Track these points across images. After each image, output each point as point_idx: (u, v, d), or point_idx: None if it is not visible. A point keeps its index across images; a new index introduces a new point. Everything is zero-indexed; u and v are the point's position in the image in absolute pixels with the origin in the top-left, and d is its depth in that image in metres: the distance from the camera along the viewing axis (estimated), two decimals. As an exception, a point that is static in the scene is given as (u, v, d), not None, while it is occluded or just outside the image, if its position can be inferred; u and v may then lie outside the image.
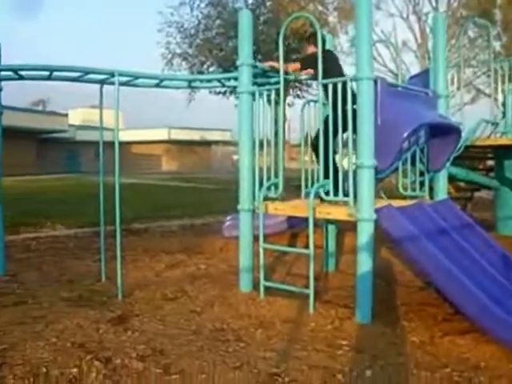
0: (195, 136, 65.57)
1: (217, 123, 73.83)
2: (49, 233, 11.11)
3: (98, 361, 4.12)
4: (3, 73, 6.69)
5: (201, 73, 23.67)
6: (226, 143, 75.32)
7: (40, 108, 77.23)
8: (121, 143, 5.93)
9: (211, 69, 24.16)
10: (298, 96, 23.43)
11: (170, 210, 14.78)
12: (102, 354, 4.25)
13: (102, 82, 6.69)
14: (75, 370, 3.98)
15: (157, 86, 7.07)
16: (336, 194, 5.65)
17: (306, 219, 6.02)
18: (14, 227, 10.72)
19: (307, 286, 5.57)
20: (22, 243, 9.82)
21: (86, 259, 8.31)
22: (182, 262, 7.94)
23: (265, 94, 6.09)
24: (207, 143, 70.31)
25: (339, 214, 5.49)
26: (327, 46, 7.00)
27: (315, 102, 6.36)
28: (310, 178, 6.21)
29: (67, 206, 16.25)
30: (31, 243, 9.85)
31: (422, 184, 6.51)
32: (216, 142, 72.80)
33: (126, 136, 49.61)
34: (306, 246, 7.58)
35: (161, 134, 63.55)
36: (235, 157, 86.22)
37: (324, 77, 5.68)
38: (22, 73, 6.35)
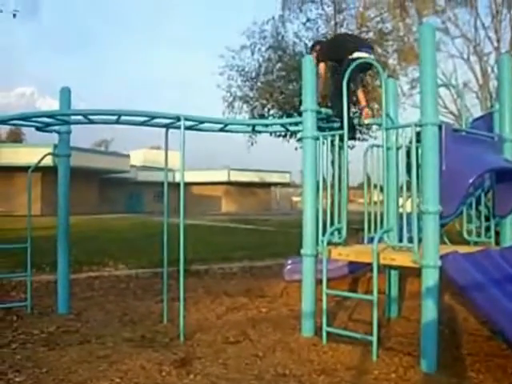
0: (254, 178, 65.96)
1: (276, 165, 74.07)
2: (111, 272, 11.27)
3: (161, 403, 4.14)
4: (73, 117, 6.95)
5: (262, 116, 23.84)
6: (284, 185, 75.48)
7: (103, 148, 79.22)
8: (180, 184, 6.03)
9: (272, 111, 24.29)
10: (358, 138, 23.37)
11: (230, 252, 14.83)
12: (166, 397, 4.27)
13: (167, 126, 6.85)
14: (138, 411, 4.02)
15: (221, 130, 7.19)
16: (400, 239, 5.61)
17: (367, 264, 5.98)
18: (77, 265, 10.95)
19: (370, 333, 5.48)
20: (85, 282, 9.99)
21: (148, 300, 8.39)
22: (244, 305, 7.92)
23: (329, 139, 6.13)
24: (266, 185, 70.55)
25: (403, 260, 5.41)
26: (391, 91, 7.01)
27: (378, 146, 6.35)
28: (372, 221, 6.18)
29: (128, 246, 16.52)
30: (94, 282, 10.02)
31: (487, 229, 6.40)
32: (275, 184, 73.00)
33: (186, 177, 50.15)
34: (367, 292, 7.52)
35: (220, 176, 64.18)
36: (294, 198, 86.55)
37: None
38: (92, 117, 6.55)
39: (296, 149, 23.29)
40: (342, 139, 6.19)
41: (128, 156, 54.39)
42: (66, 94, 7.39)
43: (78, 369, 4.99)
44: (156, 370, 4.94)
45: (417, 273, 5.35)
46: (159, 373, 4.86)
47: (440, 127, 5.26)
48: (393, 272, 7.09)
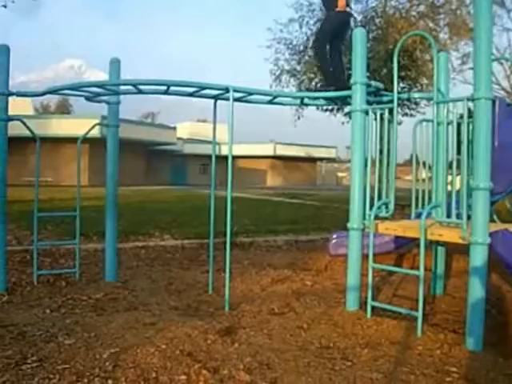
0: (300, 152, 65.84)
1: (322, 140, 73.73)
2: (157, 242, 11.41)
3: (206, 370, 4.20)
4: (123, 87, 7.01)
5: (309, 90, 23.65)
6: (330, 160, 75.17)
7: (149, 120, 79.89)
8: (226, 157, 6.04)
9: (319, 85, 24.12)
10: (406, 114, 23.07)
11: (275, 225, 14.86)
12: (210, 364, 4.33)
13: (215, 98, 6.86)
14: (184, 377, 4.08)
15: (269, 102, 7.17)
16: (448, 215, 5.54)
17: (414, 240, 5.92)
18: (124, 235, 11.12)
19: (415, 308, 5.46)
20: (132, 251, 10.14)
21: (194, 270, 8.49)
22: (288, 278, 7.96)
23: (378, 112, 6.06)
24: (312, 160, 70.35)
25: (451, 236, 5.35)
26: (442, 65, 6.88)
27: (428, 121, 6.26)
28: (419, 197, 6.12)
29: (174, 217, 16.68)
30: (140, 252, 10.16)
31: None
32: (321, 159, 72.75)
33: (232, 150, 50.17)
34: (413, 268, 7.46)
35: (266, 150, 64.24)
36: (340, 174, 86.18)
37: None
38: (141, 87, 6.59)
39: (343, 123, 23.20)
40: (390, 113, 6.12)
41: (174, 128, 54.74)
42: (115, 64, 7.44)
43: (124, 334, 5.09)
44: (201, 337, 5.00)
45: (464, 250, 5.30)
46: (204, 341, 4.93)
47: (493, 102, 5.15)
48: (439, 248, 7.01)
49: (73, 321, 5.53)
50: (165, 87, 6.51)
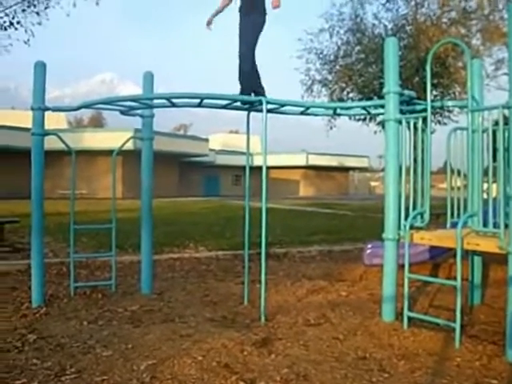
0: (333, 162, 65.71)
1: (354, 149, 73.50)
2: (192, 254, 11.46)
3: (243, 382, 4.21)
4: (156, 100, 7.08)
5: (341, 99, 23.65)
6: (362, 169, 74.91)
7: (182, 132, 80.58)
8: (259, 167, 6.06)
9: (351, 95, 24.09)
10: (439, 122, 22.88)
11: (309, 236, 14.83)
12: (247, 376, 4.33)
13: (249, 109, 6.89)
14: (221, 389, 4.10)
15: (302, 113, 7.18)
16: (485, 224, 5.48)
17: (449, 249, 5.86)
18: (159, 247, 11.20)
19: (452, 319, 5.39)
20: (167, 263, 10.20)
21: (228, 281, 8.50)
22: (323, 288, 7.92)
23: (412, 121, 6.02)
24: (345, 169, 70.19)
25: (488, 246, 5.28)
26: (476, 72, 6.82)
27: (462, 129, 6.20)
28: (455, 206, 6.06)
29: (208, 228, 16.76)
30: (175, 263, 10.21)
31: None
32: (353, 168, 72.53)
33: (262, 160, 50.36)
34: (449, 278, 7.38)
35: (299, 160, 64.32)
36: (372, 183, 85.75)
37: None
38: (175, 100, 6.65)
39: (375, 133, 23.10)
40: (424, 122, 6.08)
41: (207, 140, 55.09)
42: (148, 78, 7.53)
43: (161, 346, 5.13)
44: (238, 349, 5.01)
45: (502, 259, 5.22)
46: (241, 352, 4.93)
47: (529, 109, 5.09)
48: (476, 258, 6.92)
49: (110, 332, 5.59)
50: (198, 100, 6.56)
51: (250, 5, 6.78)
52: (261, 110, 6.22)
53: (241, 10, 6.87)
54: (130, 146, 8.13)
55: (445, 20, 23.46)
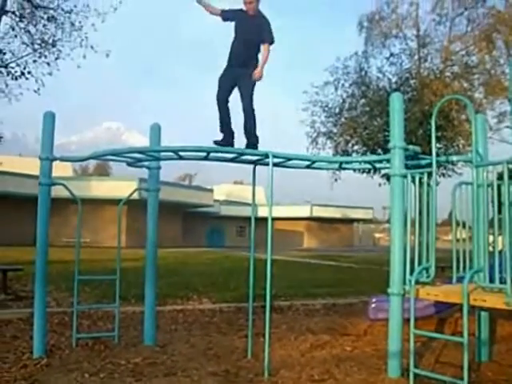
0: (337, 213, 65.74)
1: (358, 200, 73.54)
2: (195, 306, 11.39)
3: None
4: (164, 153, 7.13)
5: (345, 151, 23.80)
6: (367, 221, 74.84)
7: (187, 183, 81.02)
8: (264, 219, 6.07)
9: (355, 147, 24.24)
10: (443, 174, 22.96)
11: (313, 288, 14.72)
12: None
13: (255, 163, 6.94)
14: None
15: (308, 167, 7.21)
16: (490, 279, 5.44)
17: (455, 304, 5.81)
18: (162, 298, 11.12)
19: (459, 376, 5.30)
20: (170, 315, 10.11)
21: (232, 334, 8.41)
22: (327, 343, 7.82)
23: (417, 176, 6.04)
24: (349, 220, 70.13)
25: (495, 302, 5.24)
26: (480, 127, 6.86)
27: (467, 184, 6.20)
28: (461, 259, 6.03)
29: (212, 279, 16.68)
30: (178, 315, 10.13)
31: None
32: (357, 220, 72.49)
33: (268, 211, 50.46)
34: (455, 333, 7.29)
35: (303, 211, 64.36)
36: (377, 235, 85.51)
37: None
38: (182, 153, 6.70)
39: (380, 185, 23.13)
40: (429, 177, 6.10)
41: (211, 190, 55.26)
42: (156, 130, 7.60)
43: (164, 401, 5.06)
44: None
45: (509, 315, 5.18)
46: (244, 408, 4.86)
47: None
48: (483, 313, 6.85)
49: (112, 386, 5.52)
50: (205, 153, 6.60)
51: (248, 56, 6.85)
52: (267, 164, 6.26)
53: (233, 61, 6.95)
54: (135, 195, 8.15)
55: (448, 74, 23.83)
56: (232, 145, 6.82)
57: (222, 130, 6.90)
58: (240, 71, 6.80)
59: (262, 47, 6.79)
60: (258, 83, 6.77)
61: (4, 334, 7.86)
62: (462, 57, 24.10)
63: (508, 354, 6.17)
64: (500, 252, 5.45)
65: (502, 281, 5.23)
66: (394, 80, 23.93)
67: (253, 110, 6.77)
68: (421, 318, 7.91)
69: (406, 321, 5.93)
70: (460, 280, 5.62)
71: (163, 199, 8.40)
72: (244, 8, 6.79)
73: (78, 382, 5.63)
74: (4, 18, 18.68)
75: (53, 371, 6.06)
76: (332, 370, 6.28)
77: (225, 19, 6.96)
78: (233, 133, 6.93)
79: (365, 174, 23.17)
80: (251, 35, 6.79)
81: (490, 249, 5.90)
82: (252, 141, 6.80)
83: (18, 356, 6.65)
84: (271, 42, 6.79)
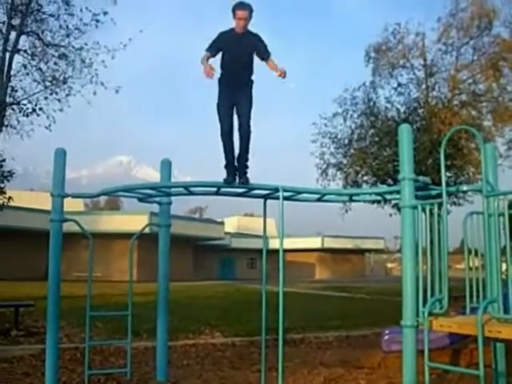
0: (348, 244, 65.50)
1: (369, 231, 73.32)
2: (207, 340, 11.33)
3: None
4: (174, 188, 7.15)
5: (355, 182, 23.85)
6: (378, 251, 74.51)
7: (197, 215, 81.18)
8: (275, 251, 6.05)
9: (365, 178, 24.28)
10: (454, 203, 22.92)
11: (326, 321, 14.64)
12: None
13: (265, 197, 6.94)
14: None
15: (318, 200, 7.21)
16: (505, 309, 5.39)
17: (469, 335, 5.74)
18: (174, 333, 11.06)
19: (476, 410, 5.23)
20: (182, 349, 10.06)
21: (245, 369, 8.36)
22: (341, 377, 7.74)
23: (427, 207, 6.02)
24: (360, 251, 69.86)
25: (511, 333, 5.18)
26: (489, 156, 6.84)
27: (478, 213, 6.17)
28: (474, 290, 5.98)
29: (223, 313, 16.62)
30: (190, 350, 10.09)
31: None
32: (369, 250, 72.20)
33: (279, 244, 50.26)
34: (470, 364, 7.19)
35: (314, 243, 64.21)
36: (389, 265, 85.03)
37: None
38: (192, 189, 6.71)
39: (391, 215, 23.09)
40: (439, 207, 6.07)
41: (222, 223, 55.28)
42: (166, 165, 7.65)
43: None
44: None
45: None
46: None
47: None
48: (498, 344, 6.76)
49: (124, 424, 5.47)
50: (215, 189, 6.60)
51: (245, 76, 6.61)
52: (277, 198, 6.26)
53: (230, 84, 6.54)
54: (146, 229, 8.16)
55: (456, 102, 23.96)
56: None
57: (226, 167, 6.46)
58: (239, 93, 6.50)
59: (267, 65, 6.41)
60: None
61: (16, 371, 7.84)
62: (470, 85, 24.26)
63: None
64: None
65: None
66: (402, 110, 24.06)
67: (250, 133, 6.43)
68: (435, 349, 7.83)
69: (421, 352, 5.86)
70: (474, 311, 5.56)
71: (174, 233, 8.41)
72: (234, 24, 6.44)
73: (91, 420, 5.58)
74: (16, 56, 19.00)
75: (65, 409, 6.02)
76: (347, 404, 6.22)
77: (214, 55, 6.49)
78: (236, 170, 6.50)
79: (375, 205, 23.18)
80: (245, 55, 6.52)
81: (503, 277, 5.87)
82: (244, 179, 6.43)
83: (30, 393, 6.63)
84: (269, 55, 6.43)
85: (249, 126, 6.43)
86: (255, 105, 6.48)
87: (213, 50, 6.45)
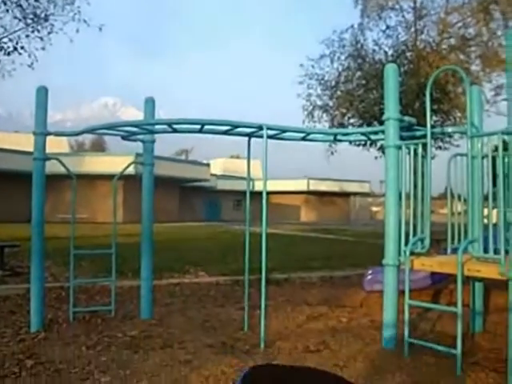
0: (334, 187, 65.76)
1: (355, 174, 73.50)
2: (192, 279, 11.42)
3: (242, 409, 4.16)
4: (157, 126, 7.10)
5: (341, 124, 23.81)
6: (364, 194, 74.93)
7: (183, 157, 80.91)
8: (260, 193, 6.05)
9: (352, 120, 24.25)
10: (440, 147, 22.97)
11: (310, 261, 14.79)
12: (246, 403, 4.28)
13: (249, 135, 6.90)
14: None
15: (303, 139, 7.20)
16: (485, 250, 5.46)
17: (450, 275, 5.83)
18: (158, 272, 11.14)
19: (453, 346, 5.35)
20: (167, 288, 10.14)
21: (228, 307, 8.46)
22: (323, 315, 7.87)
23: (411, 147, 6.03)
24: (346, 194, 70.22)
25: (489, 272, 5.26)
26: (475, 99, 6.84)
27: (462, 155, 6.20)
28: (456, 231, 6.05)
29: (208, 253, 16.73)
30: (175, 289, 10.16)
31: None
32: (354, 194, 72.57)
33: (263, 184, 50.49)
34: (450, 303, 7.33)
35: (300, 185, 64.36)
36: (374, 208, 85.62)
37: None
38: (176, 126, 6.66)
39: (376, 158, 23.17)
40: (424, 148, 6.09)
41: (208, 165, 55.19)
42: (150, 104, 7.56)
43: (160, 372, 5.09)
44: (237, 375, 4.96)
45: (503, 285, 5.20)
46: (240, 379, 4.88)
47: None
48: (477, 284, 6.89)
49: (108, 358, 5.54)
50: (199, 126, 6.57)
51: None
52: (261, 136, 6.24)
53: None
54: (131, 170, 8.13)
55: (444, 46, 23.74)
56: None
57: None
58: None
59: None
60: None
61: (2, 310, 7.89)
62: (459, 29, 23.98)
63: (501, 324, 6.19)
64: (494, 225, 5.46)
65: (496, 252, 5.24)
66: (390, 53, 23.86)
67: None
68: (416, 289, 7.95)
69: (402, 292, 5.96)
70: (455, 251, 5.64)
71: (160, 174, 8.40)
72: None
73: (75, 355, 5.65)
74: (-5, -8, 18.51)
75: (50, 344, 6.09)
76: (328, 340, 6.32)
77: None
78: None
79: (361, 147, 23.20)
80: None
81: (485, 221, 5.93)
82: None
83: (15, 330, 6.68)
84: None
85: None
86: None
87: None
